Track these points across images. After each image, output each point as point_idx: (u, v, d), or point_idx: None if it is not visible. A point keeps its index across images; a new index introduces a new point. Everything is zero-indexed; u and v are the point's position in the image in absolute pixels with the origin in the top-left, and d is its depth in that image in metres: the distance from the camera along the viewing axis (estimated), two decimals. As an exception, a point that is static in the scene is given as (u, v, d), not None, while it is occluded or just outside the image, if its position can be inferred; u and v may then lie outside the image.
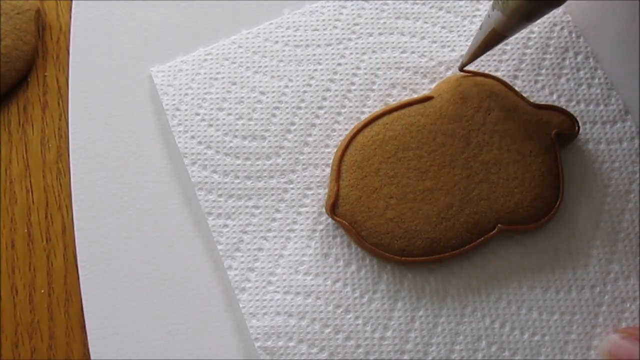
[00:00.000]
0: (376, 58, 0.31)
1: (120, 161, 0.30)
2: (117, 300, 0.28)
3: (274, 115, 0.30)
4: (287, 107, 0.30)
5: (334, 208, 0.28)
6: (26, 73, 0.33)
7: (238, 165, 0.30)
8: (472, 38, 0.31)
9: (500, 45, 0.31)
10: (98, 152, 0.30)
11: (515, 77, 0.31)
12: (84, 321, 0.28)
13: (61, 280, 0.30)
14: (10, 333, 0.29)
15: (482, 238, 0.27)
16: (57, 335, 0.29)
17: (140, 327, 0.28)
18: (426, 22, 0.32)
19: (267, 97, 0.31)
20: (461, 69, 0.29)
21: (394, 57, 0.31)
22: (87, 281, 0.29)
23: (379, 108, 0.30)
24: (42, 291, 0.30)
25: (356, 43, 0.31)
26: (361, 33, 0.32)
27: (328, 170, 0.29)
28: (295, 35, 0.32)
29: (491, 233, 0.27)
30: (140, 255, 0.29)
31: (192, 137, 0.30)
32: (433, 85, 0.30)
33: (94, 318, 0.28)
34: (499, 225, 0.27)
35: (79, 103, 0.31)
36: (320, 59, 0.31)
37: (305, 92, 0.31)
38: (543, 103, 0.30)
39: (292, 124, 0.30)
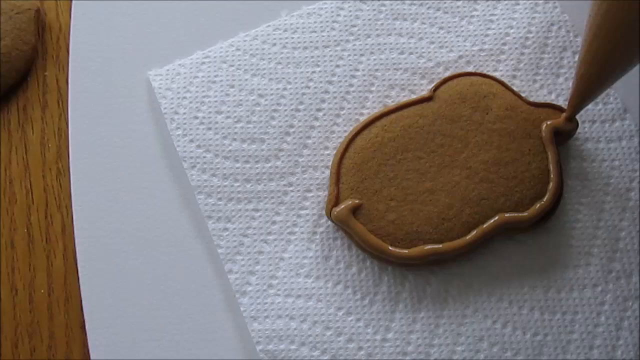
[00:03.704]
0: (374, 59, 0.31)
1: (120, 162, 0.30)
2: (117, 301, 0.28)
3: (272, 117, 0.30)
4: (285, 110, 0.30)
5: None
6: (26, 73, 0.33)
7: (237, 168, 0.29)
8: (469, 38, 0.31)
9: (498, 46, 0.31)
10: (98, 152, 0.30)
11: (514, 77, 0.31)
12: (83, 321, 0.28)
13: (61, 280, 0.30)
14: (10, 333, 0.29)
15: (483, 236, 0.27)
16: (57, 335, 0.29)
17: (140, 328, 0.28)
18: (424, 23, 0.32)
19: (266, 100, 0.31)
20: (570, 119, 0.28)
21: (392, 58, 0.31)
22: (87, 281, 0.29)
23: (377, 109, 0.30)
24: (42, 291, 0.30)
25: (354, 45, 0.31)
26: (359, 34, 0.31)
27: (328, 172, 0.29)
28: (293, 38, 0.32)
29: (491, 223, 0.27)
30: (140, 257, 0.29)
31: (191, 140, 0.30)
32: (431, 86, 0.30)
33: (94, 318, 0.28)
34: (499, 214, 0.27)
35: (79, 103, 0.31)
36: (319, 61, 0.31)
37: (303, 94, 0.31)
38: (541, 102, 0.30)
39: (291, 126, 0.30)
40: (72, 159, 0.30)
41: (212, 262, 0.29)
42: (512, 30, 0.31)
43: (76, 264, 0.29)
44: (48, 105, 0.32)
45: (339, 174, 0.28)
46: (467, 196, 0.28)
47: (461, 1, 0.32)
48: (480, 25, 0.32)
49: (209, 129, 0.30)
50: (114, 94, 0.31)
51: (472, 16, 0.32)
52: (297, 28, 0.32)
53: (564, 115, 0.28)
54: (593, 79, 0.26)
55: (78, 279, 0.29)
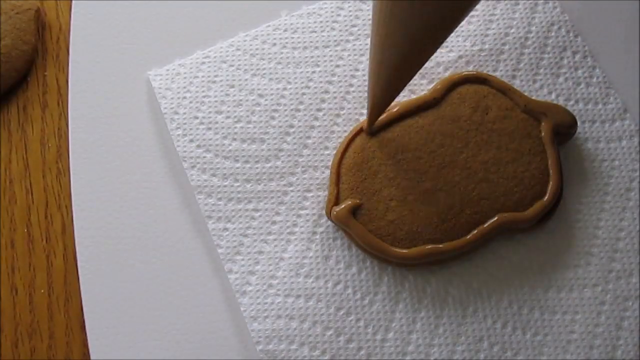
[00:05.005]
0: (374, 59, 0.31)
1: (120, 162, 0.30)
2: (117, 300, 0.28)
3: (272, 117, 0.30)
4: (285, 110, 0.30)
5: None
6: (26, 73, 0.33)
7: (237, 168, 0.30)
8: (469, 38, 0.31)
9: (498, 45, 0.31)
10: (98, 152, 0.30)
11: (514, 76, 0.31)
12: (83, 321, 0.28)
13: (61, 280, 0.30)
14: (10, 333, 0.29)
15: (483, 236, 0.27)
16: (57, 335, 0.29)
17: (140, 328, 0.28)
18: (424, 23, 0.32)
19: (266, 100, 0.31)
20: (371, 132, 0.28)
21: (392, 58, 0.31)
22: (87, 281, 0.29)
23: (377, 109, 0.30)
24: (42, 291, 0.30)
25: (354, 45, 0.31)
26: (359, 34, 0.31)
27: (327, 172, 0.29)
28: (293, 38, 0.32)
29: (491, 223, 0.27)
30: (140, 256, 0.29)
31: (191, 140, 0.30)
32: (431, 86, 0.30)
33: (93, 318, 0.28)
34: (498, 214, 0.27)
35: (78, 103, 0.31)
36: (319, 61, 0.31)
37: (303, 94, 0.31)
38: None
39: (291, 126, 0.30)
40: (72, 159, 0.30)
41: (212, 262, 0.29)
42: (512, 30, 0.31)
43: (76, 264, 0.29)
44: (48, 105, 0.32)
45: (339, 173, 0.28)
46: (467, 196, 0.28)
47: (461, 1, 0.32)
48: (480, 25, 0.32)
49: (209, 129, 0.30)
50: (114, 94, 0.31)
51: (472, 16, 0.32)
52: (297, 28, 0.32)
53: (365, 120, 0.28)
54: (382, 91, 0.26)
55: (78, 279, 0.29)
